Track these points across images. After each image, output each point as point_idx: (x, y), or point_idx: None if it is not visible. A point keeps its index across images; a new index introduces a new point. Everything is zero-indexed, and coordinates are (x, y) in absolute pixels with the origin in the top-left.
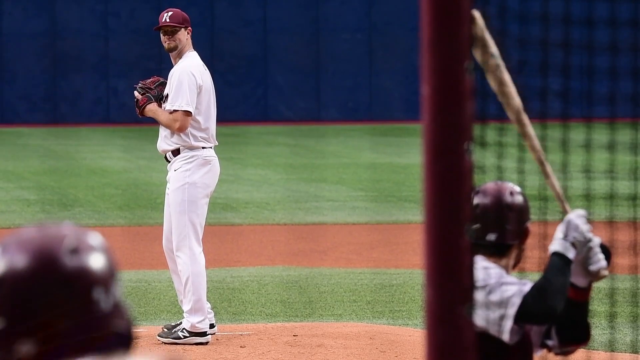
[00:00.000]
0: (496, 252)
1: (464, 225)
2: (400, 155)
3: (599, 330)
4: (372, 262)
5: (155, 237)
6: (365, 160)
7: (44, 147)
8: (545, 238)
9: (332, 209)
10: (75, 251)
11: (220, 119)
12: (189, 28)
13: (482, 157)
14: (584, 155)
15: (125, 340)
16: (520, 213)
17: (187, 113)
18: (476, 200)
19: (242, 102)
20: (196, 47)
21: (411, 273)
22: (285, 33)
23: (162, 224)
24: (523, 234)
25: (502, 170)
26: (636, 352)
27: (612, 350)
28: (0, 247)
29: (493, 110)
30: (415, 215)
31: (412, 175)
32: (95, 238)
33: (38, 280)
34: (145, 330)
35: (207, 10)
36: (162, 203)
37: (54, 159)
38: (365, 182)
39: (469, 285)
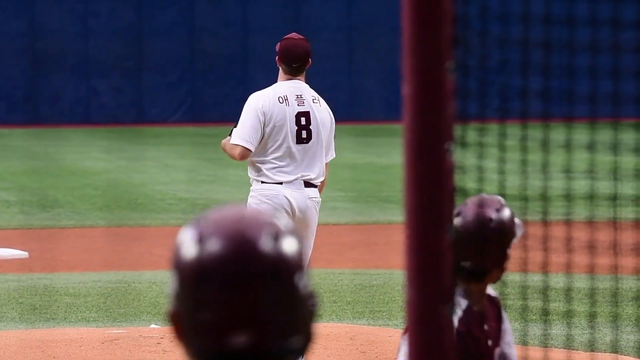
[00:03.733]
0: (473, 277)
1: (445, 225)
2: (381, 155)
3: (578, 330)
4: (352, 262)
5: (135, 238)
6: (346, 160)
7: (23, 148)
8: (526, 238)
9: None
10: (276, 237)
11: (201, 120)
12: (277, 58)
13: (462, 158)
14: (565, 155)
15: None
16: (503, 238)
17: None
18: (456, 222)
19: (222, 102)
20: (176, 47)
21: (391, 273)
22: (266, 33)
23: (142, 225)
24: (503, 259)
25: (483, 170)
26: (616, 352)
27: (592, 350)
28: (195, 234)
29: (474, 110)
30: (395, 215)
31: (393, 176)
32: (288, 222)
33: (242, 270)
34: (125, 331)
35: (187, 10)
36: (142, 204)
37: (33, 159)
38: (346, 183)
39: (451, 286)
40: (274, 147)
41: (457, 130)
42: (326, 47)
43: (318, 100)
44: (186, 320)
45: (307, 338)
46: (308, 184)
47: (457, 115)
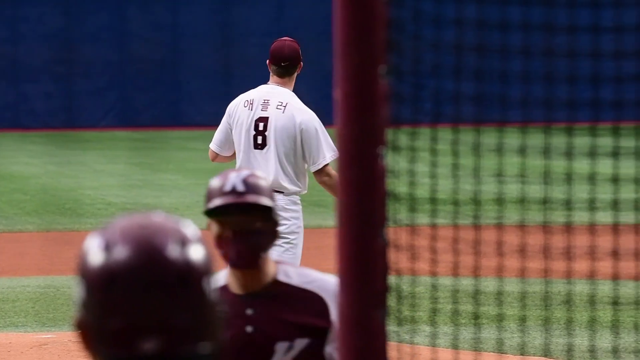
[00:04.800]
0: None
1: (377, 229)
2: None
3: (508, 334)
4: None
5: (65, 242)
6: None
7: None
8: (457, 242)
9: None
10: (183, 243)
11: (131, 124)
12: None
13: (394, 162)
14: (496, 159)
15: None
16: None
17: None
18: None
19: (153, 107)
20: (106, 52)
21: None
22: (196, 38)
23: (71, 229)
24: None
25: (414, 174)
26: (546, 356)
27: (522, 354)
28: (102, 241)
29: (406, 114)
30: (325, 219)
31: None
32: (192, 228)
33: (149, 276)
34: (55, 336)
35: (117, 14)
36: (71, 208)
37: None
38: None
39: (383, 290)
40: (238, 151)
41: (389, 135)
42: (256, 52)
43: (284, 106)
44: (94, 327)
45: (216, 344)
46: None
47: (390, 119)
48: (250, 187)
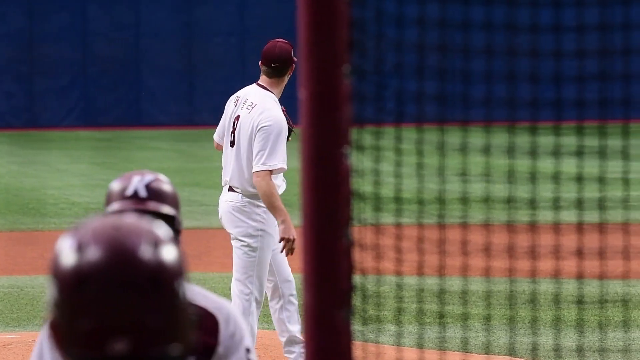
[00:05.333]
0: None
1: (342, 229)
2: None
3: (473, 333)
4: None
5: (28, 242)
6: None
7: None
8: (422, 241)
9: (205, 214)
10: (155, 244)
11: (93, 124)
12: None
13: (359, 161)
14: (460, 158)
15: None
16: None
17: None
18: None
19: (115, 107)
20: (68, 51)
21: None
22: (158, 37)
23: (35, 229)
24: None
25: (379, 173)
26: (511, 355)
27: (487, 353)
28: (74, 242)
29: (370, 114)
30: (291, 219)
31: (289, 180)
32: (164, 229)
33: (120, 277)
34: (18, 336)
35: (79, 14)
36: (34, 208)
37: None
38: None
39: (347, 289)
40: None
41: (354, 134)
42: (219, 51)
43: (252, 107)
44: (65, 327)
45: (186, 346)
46: (230, 188)
47: (354, 118)
48: (153, 193)
